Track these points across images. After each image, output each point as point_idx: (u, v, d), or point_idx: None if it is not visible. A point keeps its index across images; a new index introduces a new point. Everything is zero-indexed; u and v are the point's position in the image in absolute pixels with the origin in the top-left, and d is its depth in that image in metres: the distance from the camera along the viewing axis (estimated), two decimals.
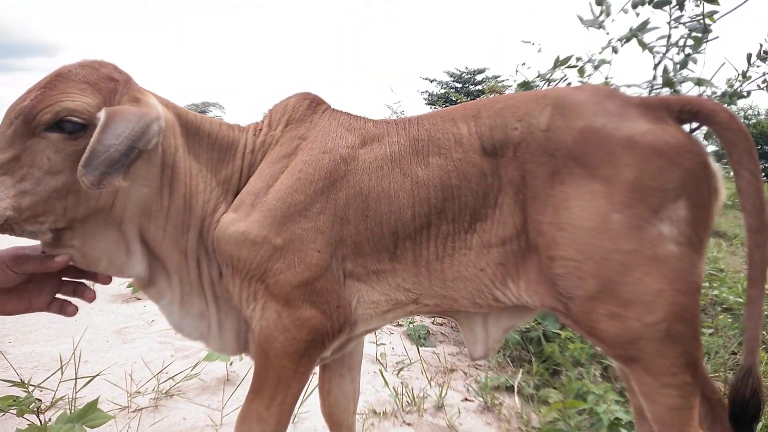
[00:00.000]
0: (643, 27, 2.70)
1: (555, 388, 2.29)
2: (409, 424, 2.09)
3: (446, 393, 2.28)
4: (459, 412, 2.16)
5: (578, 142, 1.11)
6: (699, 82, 2.66)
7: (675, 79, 2.74)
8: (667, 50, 2.83)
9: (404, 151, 1.22)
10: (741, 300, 3.54)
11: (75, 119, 0.98)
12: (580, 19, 2.77)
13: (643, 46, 2.72)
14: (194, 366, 2.48)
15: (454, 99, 31.47)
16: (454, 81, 32.73)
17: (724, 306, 3.52)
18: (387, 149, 1.23)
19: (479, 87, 32.02)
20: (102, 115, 0.97)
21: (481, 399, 2.26)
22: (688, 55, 2.72)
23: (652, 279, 1.05)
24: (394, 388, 2.27)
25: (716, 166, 1.13)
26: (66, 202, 1.02)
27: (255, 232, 1.15)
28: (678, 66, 2.74)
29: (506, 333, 1.35)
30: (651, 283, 1.05)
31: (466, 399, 2.29)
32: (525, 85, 3.58)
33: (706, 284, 3.85)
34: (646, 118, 1.12)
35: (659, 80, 2.84)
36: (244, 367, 2.52)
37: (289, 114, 1.30)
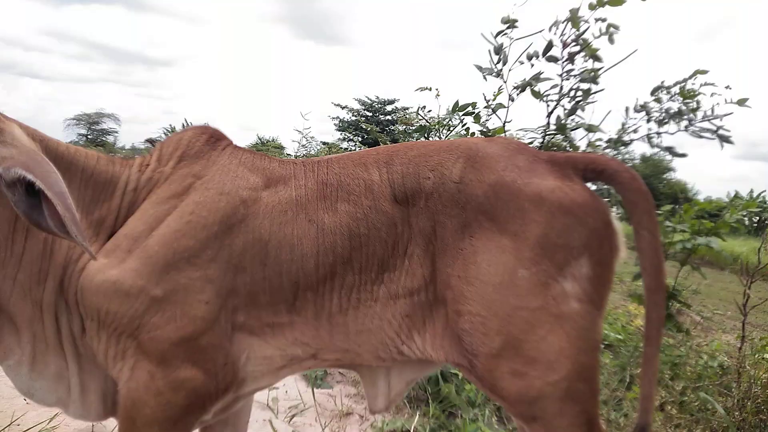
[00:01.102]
0: (537, 78, 2.86)
1: (450, 431, 2.26)
2: None
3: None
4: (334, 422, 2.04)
5: (489, 196, 1.09)
6: (589, 128, 2.85)
7: (567, 125, 2.92)
8: (560, 99, 3.03)
9: (311, 195, 1.14)
10: (621, 337, 3.79)
11: None
12: (479, 68, 2.88)
13: (537, 95, 2.88)
14: (52, 417, 2.15)
15: (364, 127, 32.00)
16: (365, 109, 33.30)
17: (605, 343, 3.73)
18: (293, 192, 1.14)
19: (389, 117, 32.83)
20: None
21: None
22: (578, 103, 2.91)
23: (555, 337, 1.04)
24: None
25: (618, 224, 1.16)
26: None
27: (129, 282, 1.00)
28: (567, 113, 2.93)
29: (408, 386, 1.29)
30: (554, 341, 1.04)
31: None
32: (423, 129, 3.66)
33: None
34: (553, 174, 1.12)
35: (552, 127, 3.02)
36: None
37: (183, 149, 1.17)
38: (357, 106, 33.31)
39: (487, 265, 1.06)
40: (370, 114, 33.05)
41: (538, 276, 1.05)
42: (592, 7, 2.59)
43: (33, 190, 0.85)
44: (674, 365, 3.01)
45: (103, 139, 45.27)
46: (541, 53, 2.72)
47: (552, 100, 3.07)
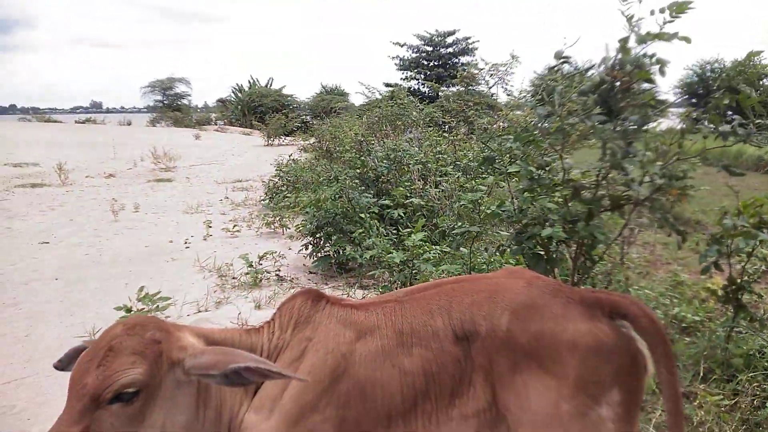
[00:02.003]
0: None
1: None
2: None
3: None
4: None
5: (532, 343, 1.39)
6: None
7: None
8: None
9: (392, 343, 1.49)
10: (698, 318, 3.84)
11: (130, 390, 1.22)
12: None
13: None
14: None
15: (426, 63, 31.31)
16: (424, 44, 32.40)
17: (683, 326, 3.82)
18: (378, 343, 1.49)
19: (450, 49, 31.78)
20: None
21: None
22: None
23: None
24: None
25: (644, 350, 1.41)
26: None
27: None
28: None
29: None
30: None
31: None
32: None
33: (667, 302, 4.12)
34: (584, 317, 1.39)
35: None
36: None
37: (296, 317, 1.55)
38: (416, 42, 32.39)
39: (536, 399, 1.38)
40: (431, 49, 32.06)
41: (577, 408, 1.35)
42: (641, 41, 2.62)
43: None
44: (746, 358, 3.10)
45: (179, 103, 47.49)
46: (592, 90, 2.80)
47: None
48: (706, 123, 3.26)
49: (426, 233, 4.55)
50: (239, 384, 1.28)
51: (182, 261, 6.59)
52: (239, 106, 40.84)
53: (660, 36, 2.61)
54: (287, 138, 27.92)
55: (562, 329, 1.39)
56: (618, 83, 3.01)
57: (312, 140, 17.12)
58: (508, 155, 3.66)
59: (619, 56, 2.90)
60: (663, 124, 3.81)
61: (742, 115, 3.21)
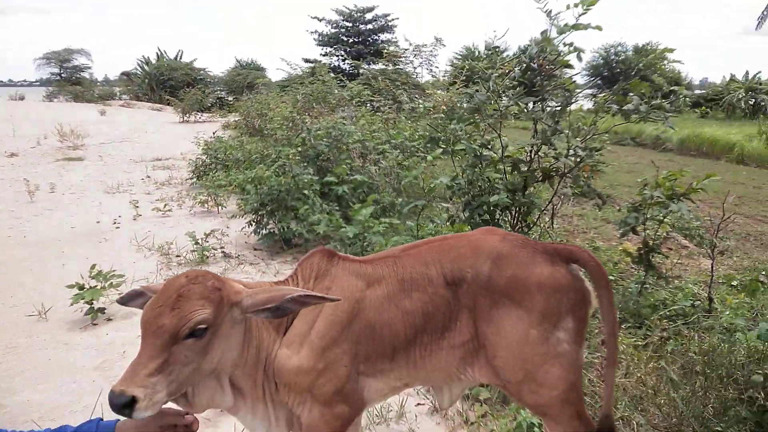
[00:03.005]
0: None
1: (484, 386, 3.06)
2: None
3: (405, 401, 2.97)
4: (416, 417, 2.86)
5: (508, 285, 1.74)
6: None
7: None
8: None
9: (395, 290, 1.79)
10: (614, 277, 4.44)
11: (203, 327, 1.43)
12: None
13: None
14: None
15: (345, 39, 31.24)
16: (343, 20, 32.28)
17: None
18: (384, 290, 1.79)
19: (370, 26, 31.91)
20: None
21: (430, 402, 2.98)
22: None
23: (555, 368, 1.73)
24: None
25: (589, 287, 1.82)
26: (193, 378, 1.48)
27: (305, 365, 1.68)
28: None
29: (463, 392, 2.02)
30: (554, 372, 1.73)
31: (419, 404, 3.00)
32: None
33: None
34: (547, 263, 1.77)
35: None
36: None
37: (316, 271, 1.81)
38: (335, 17, 32.18)
39: (510, 327, 1.74)
40: (350, 24, 32.04)
41: (542, 333, 1.72)
42: (560, 32, 3.05)
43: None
44: (654, 308, 3.73)
45: (78, 76, 44.23)
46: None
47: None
48: (614, 105, 3.79)
49: (374, 208, 4.86)
50: (283, 315, 1.53)
51: (116, 241, 6.47)
52: (146, 80, 38.61)
53: (576, 27, 3.05)
54: (204, 114, 26.94)
55: (530, 273, 1.75)
56: (542, 70, 3.43)
57: (235, 117, 16.75)
58: (452, 135, 4.03)
59: (542, 46, 3.31)
60: (578, 104, 4.34)
61: (643, 97, 3.78)
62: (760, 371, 2.27)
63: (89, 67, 46.81)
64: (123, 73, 43.14)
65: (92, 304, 4.10)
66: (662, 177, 3.61)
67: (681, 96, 4.06)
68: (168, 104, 31.28)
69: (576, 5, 3.03)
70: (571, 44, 3.13)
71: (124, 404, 1.32)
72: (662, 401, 2.51)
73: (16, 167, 11.84)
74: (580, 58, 3.19)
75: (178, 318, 1.40)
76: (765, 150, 16.31)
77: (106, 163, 13.06)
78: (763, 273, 4.12)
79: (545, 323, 1.72)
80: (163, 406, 1.48)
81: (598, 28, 3.06)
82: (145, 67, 39.59)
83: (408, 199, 4.52)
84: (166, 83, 36.91)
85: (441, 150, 3.88)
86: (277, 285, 1.78)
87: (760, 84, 26.34)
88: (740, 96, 26.11)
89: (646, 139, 18.67)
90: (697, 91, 30.28)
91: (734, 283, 4.33)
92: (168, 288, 1.47)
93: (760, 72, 27.44)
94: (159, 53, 40.25)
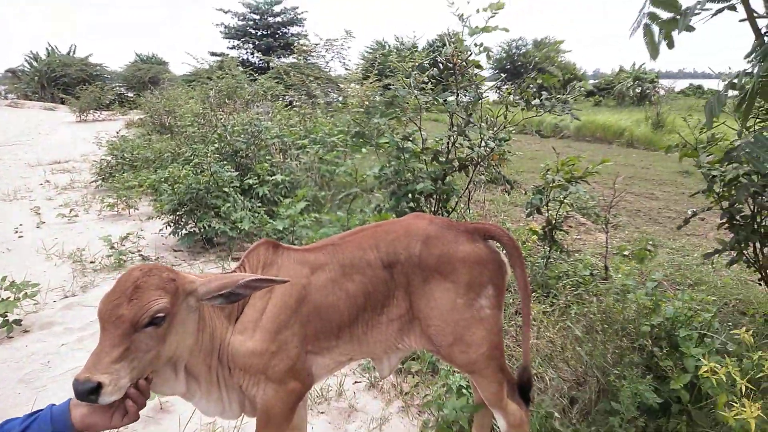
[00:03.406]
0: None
1: (415, 359, 3.30)
2: (322, 413, 2.92)
3: (344, 380, 3.14)
4: (354, 394, 3.04)
5: (436, 261, 1.96)
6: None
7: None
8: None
9: (338, 274, 1.95)
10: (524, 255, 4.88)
11: (161, 316, 1.50)
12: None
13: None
14: None
15: (253, 32, 30.53)
16: (250, 12, 31.47)
17: None
18: (328, 275, 1.94)
19: (278, 18, 31.38)
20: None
21: (366, 379, 3.17)
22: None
23: (479, 331, 1.98)
24: None
25: (505, 259, 2.08)
26: (153, 364, 1.55)
27: (260, 346, 1.80)
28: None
29: (399, 361, 2.23)
30: (479, 333, 1.98)
31: (356, 381, 3.19)
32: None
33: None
34: (469, 241, 2.01)
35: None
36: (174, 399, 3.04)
37: (263, 261, 1.92)
38: (242, 9, 31.35)
39: (439, 299, 1.96)
40: (258, 17, 31.35)
41: (467, 301, 1.96)
42: (471, 33, 3.35)
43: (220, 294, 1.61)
44: (558, 278, 4.15)
45: None
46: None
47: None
48: (518, 97, 4.17)
49: (307, 202, 4.94)
50: (235, 301, 1.64)
51: (20, 250, 6.06)
52: (36, 78, 35.45)
53: (486, 29, 3.36)
54: (103, 112, 25.30)
55: (455, 250, 1.98)
56: (455, 68, 3.72)
57: (139, 114, 15.91)
58: (375, 129, 4.22)
59: (455, 46, 3.59)
60: (484, 97, 4.67)
61: (546, 90, 4.19)
62: (648, 323, 2.67)
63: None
64: (8, 71, 39.21)
65: (6, 316, 3.88)
66: (561, 162, 4.02)
67: (578, 87, 4.50)
68: (62, 103, 29.01)
69: (485, 9, 3.33)
70: (481, 44, 3.44)
71: (89, 390, 1.37)
72: (569, 356, 2.87)
73: None
74: (489, 57, 3.50)
75: (137, 308, 1.47)
76: (651, 134, 18.05)
77: None
78: (650, 243, 4.69)
79: (470, 292, 1.96)
80: None
81: (505, 29, 3.39)
82: (35, 64, 36.31)
83: (334, 191, 4.66)
84: (58, 80, 34.08)
85: (368, 143, 4.06)
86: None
87: (646, 74, 28.97)
88: (629, 85, 28.59)
89: (546, 127, 19.99)
90: (591, 81, 32.75)
91: (626, 253, 4.88)
92: (124, 281, 1.53)
93: (645, 63, 30.19)
94: (49, 48, 36.98)
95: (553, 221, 4.19)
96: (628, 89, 28.50)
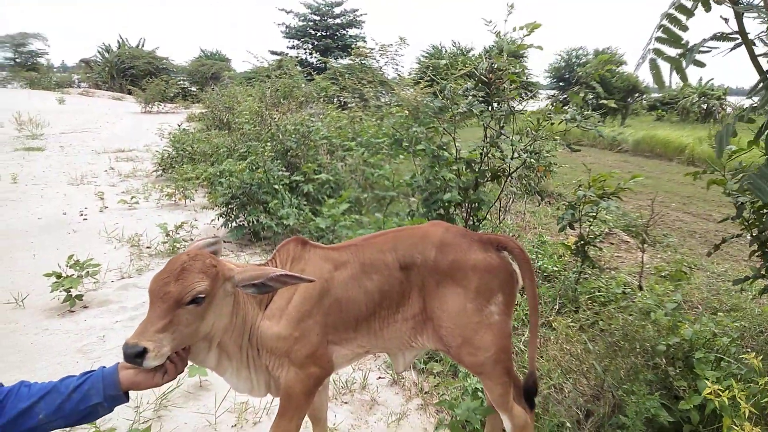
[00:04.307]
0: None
1: (437, 361, 3.44)
2: (346, 403, 3.11)
3: (368, 375, 3.32)
4: (377, 389, 3.22)
5: (450, 267, 2.10)
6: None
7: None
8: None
9: (358, 272, 2.13)
10: (557, 268, 4.90)
11: (201, 296, 1.73)
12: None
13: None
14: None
15: (313, 33, 31.31)
16: (311, 13, 32.32)
17: (545, 275, 4.85)
18: (349, 272, 2.12)
19: (338, 20, 32.07)
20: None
21: (390, 375, 3.34)
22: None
23: (487, 335, 2.11)
24: (332, 380, 3.25)
25: (516, 269, 2.20)
26: (191, 338, 1.77)
27: (285, 331, 2.00)
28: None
29: (415, 358, 2.38)
30: (487, 337, 2.11)
31: (380, 377, 3.36)
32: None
33: (533, 257, 5.16)
34: (481, 250, 2.14)
35: None
36: (212, 376, 3.31)
37: (291, 255, 2.12)
38: (304, 10, 32.14)
39: (451, 302, 2.10)
40: (318, 18, 32.11)
41: (476, 306, 2.09)
42: (508, 51, 3.46)
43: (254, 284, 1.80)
44: (589, 294, 4.18)
45: (34, 61, 42.46)
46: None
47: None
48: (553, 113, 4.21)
49: (349, 204, 5.14)
50: (266, 292, 1.83)
51: (85, 233, 6.57)
52: (107, 68, 37.61)
53: (521, 47, 3.47)
54: (167, 105, 26.60)
55: (467, 257, 2.12)
56: (492, 82, 3.83)
57: (200, 108, 16.65)
58: (414, 137, 4.38)
59: (493, 62, 3.71)
60: (536, 105, 4.74)
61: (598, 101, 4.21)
62: (664, 343, 2.71)
63: (46, 53, 44.99)
64: (82, 60, 41.77)
65: (70, 291, 4.29)
66: (593, 178, 4.06)
67: (640, 100, 4.50)
68: (129, 93, 30.67)
69: (521, 28, 3.44)
70: (519, 59, 3.55)
71: (136, 354, 1.59)
72: (586, 369, 2.94)
73: None
74: (524, 74, 3.60)
75: (182, 287, 1.70)
76: (713, 153, 17.23)
77: (67, 153, 12.90)
78: (686, 264, 4.63)
79: (480, 298, 2.10)
80: None
81: (540, 47, 3.48)
82: (106, 55, 38.54)
83: (375, 194, 4.86)
84: (127, 72, 36.07)
85: (404, 150, 4.21)
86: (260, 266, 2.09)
87: (712, 90, 27.81)
88: (694, 100, 27.52)
89: (604, 141, 19.50)
90: (654, 95, 31.73)
91: (663, 273, 4.83)
92: (173, 263, 1.76)
93: (712, 79, 28.98)
94: (120, 41, 39.22)
95: (586, 236, 4.22)
96: (692, 105, 27.44)
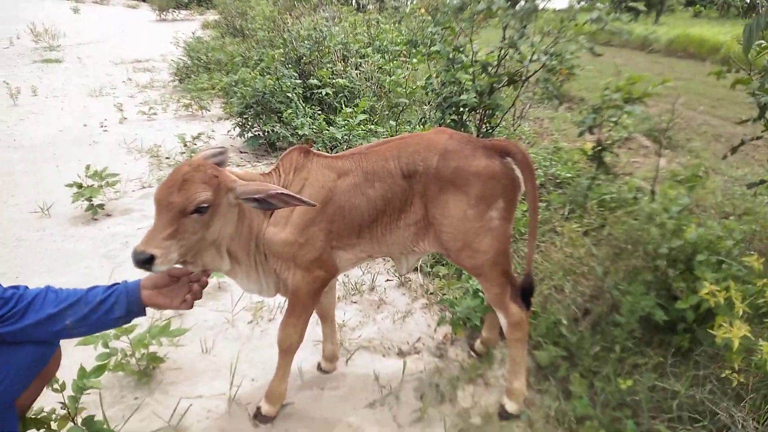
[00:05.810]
0: None
1: (443, 265, 3.56)
2: (355, 302, 3.28)
3: (376, 278, 3.47)
4: (385, 290, 3.37)
5: (452, 174, 2.12)
6: None
7: None
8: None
9: (361, 180, 2.16)
10: (570, 174, 4.85)
11: (204, 205, 1.79)
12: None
13: None
14: None
15: None
16: None
17: (557, 181, 4.82)
18: (352, 180, 2.16)
19: None
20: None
21: (397, 278, 3.49)
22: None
23: (487, 239, 2.16)
24: (342, 281, 3.41)
25: (519, 174, 2.20)
26: (198, 246, 1.87)
27: (290, 238, 2.08)
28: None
29: (417, 262, 2.48)
30: (487, 241, 2.16)
31: (388, 279, 3.51)
32: None
33: (547, 164, 5.10)
34: (484, 156, 2.14)
35: None
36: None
37: (295, 164, 2.15)
38: None
39: (453, 208, 2.14)
40: None
41: (478, 211, 2.13)
42: None
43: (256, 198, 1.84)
44: (599, 200, 4.16)
45: None
46: None
47: None
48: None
49: (365, 114, 5.07)
50: (267, 208, 1.87)
51: (105, 144, 6.68)
52: None
53: None
54: (182, 12, 25.77)
55: (470, 164, 2.13)
56: None
57: (214, 15, 16.12)
58: (429, 38, 4.20)
59: None
60: (564, 1, 4.42)
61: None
62: (667, 245, 2.74)
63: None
64: None
65: (92, 201, 4.46)
66: (623, 82, 3.88)
67: None
68: (144, 1, 29.65)
69: None
70: None
71: (144, 260, 1.68)
72: (587, 270, 3.02)
73: None
74: None
75: (185, 197, 1.76)
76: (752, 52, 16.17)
77: (85, 65, 12.80)
78: (703, 168, 4.53)
79: (481, 204, 2.13)
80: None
81: None
82: None
83: (389, 102, 4.76)
84: None
85: (419, 53, 4.05)
86: (264, 176, 2.14)
87: None
88: None
89: (635, 40, 18.38)
90: None
91: (679, 178, 4.75)
92: (175, 173, 1.81)
93: None
94: None
95: (603, 142, 4.13)
96: None
